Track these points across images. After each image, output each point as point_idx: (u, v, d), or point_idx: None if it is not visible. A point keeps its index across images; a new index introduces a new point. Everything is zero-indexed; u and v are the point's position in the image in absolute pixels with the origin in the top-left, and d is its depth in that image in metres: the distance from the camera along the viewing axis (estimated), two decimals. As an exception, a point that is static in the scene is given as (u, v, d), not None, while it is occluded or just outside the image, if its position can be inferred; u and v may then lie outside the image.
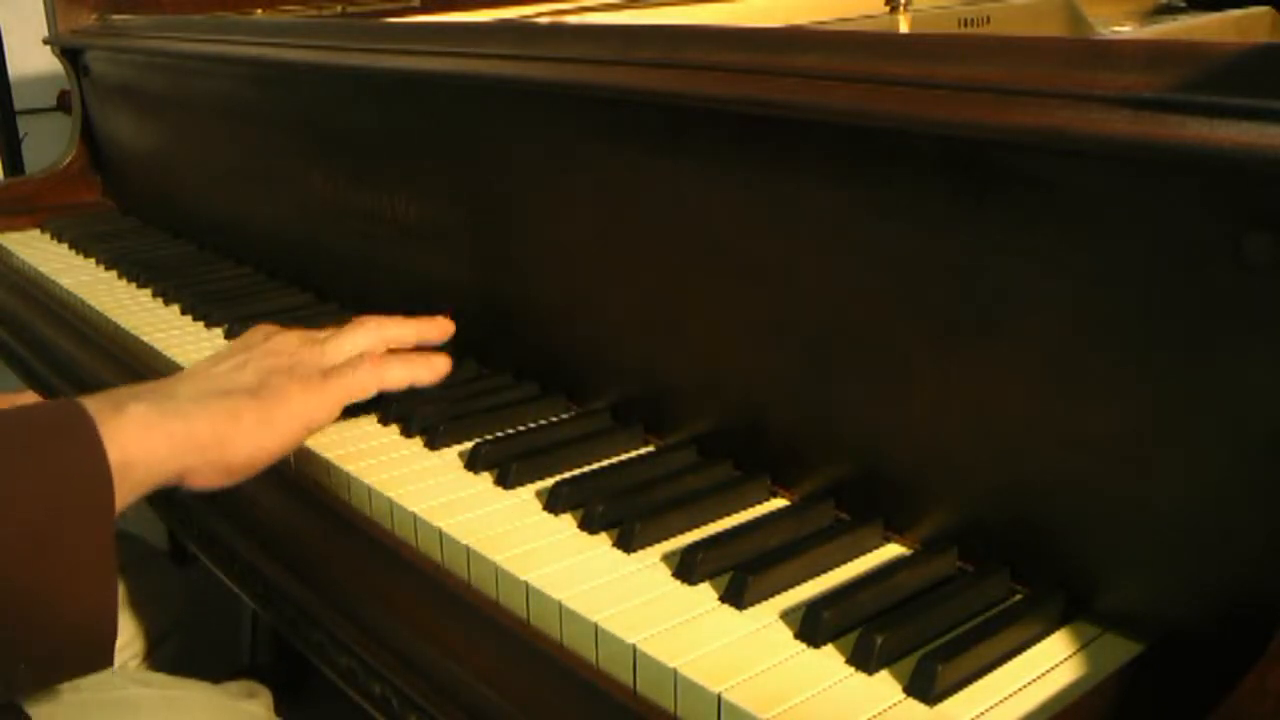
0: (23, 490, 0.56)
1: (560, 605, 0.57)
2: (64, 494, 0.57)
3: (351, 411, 0.83)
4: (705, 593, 0.58)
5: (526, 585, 0.59)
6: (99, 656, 0.59)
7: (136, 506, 0.90)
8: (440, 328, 0.83)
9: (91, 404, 0.62)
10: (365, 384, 0.73)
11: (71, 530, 0.57)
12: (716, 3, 1.28)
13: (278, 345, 0.74)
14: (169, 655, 1.08)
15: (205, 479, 0.66)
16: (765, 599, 0.58)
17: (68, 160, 1.59)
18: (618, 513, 0.65)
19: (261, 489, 0.80)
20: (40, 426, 0.60)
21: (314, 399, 0.70)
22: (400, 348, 0.79)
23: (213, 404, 0.66)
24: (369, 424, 0.81)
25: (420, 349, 0.81)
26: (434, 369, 0.78)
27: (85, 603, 0.58)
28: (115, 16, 1.50)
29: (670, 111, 0.70)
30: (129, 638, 1.03)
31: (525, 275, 0.86)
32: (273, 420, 0.68)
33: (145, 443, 0.62)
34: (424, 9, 1.62)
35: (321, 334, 0.77)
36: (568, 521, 0.66)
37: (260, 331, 0.77)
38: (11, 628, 0.56)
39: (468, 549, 0.63)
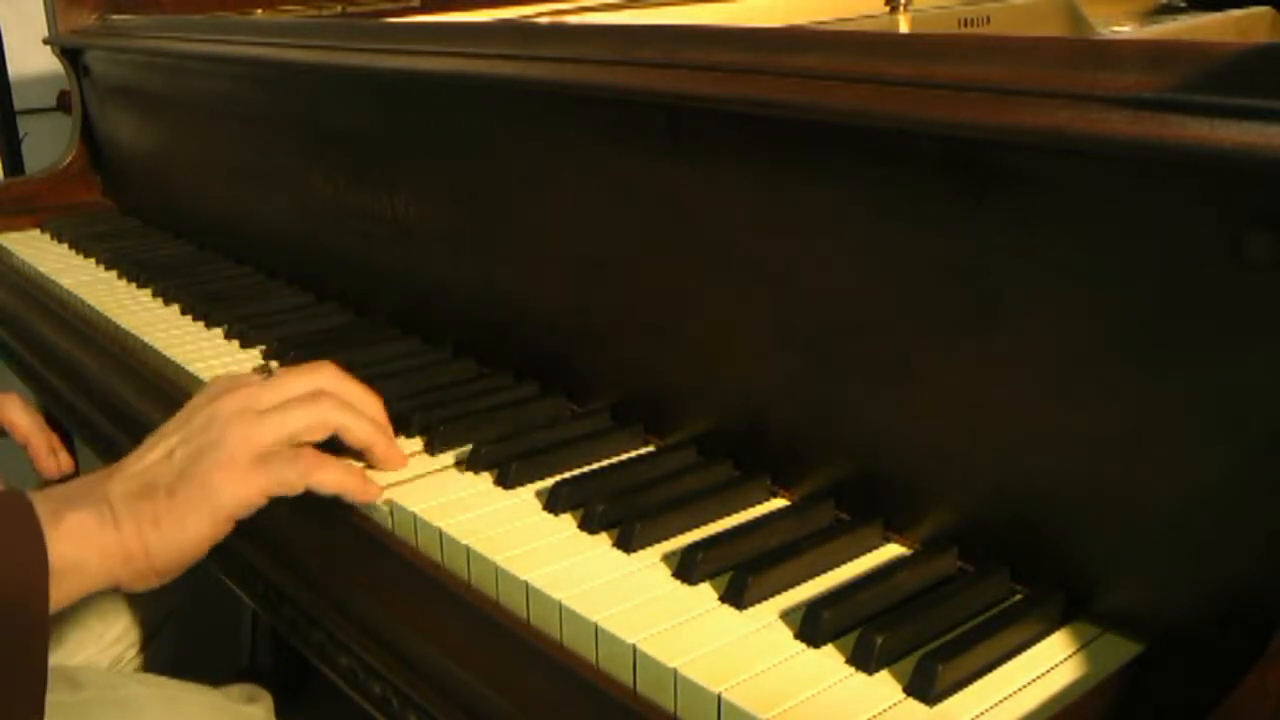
0: None
1: (560, 605, 0.57)
2: (4, 589, 0.58)
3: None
4: (705, 593, 0.58)
5: (526, 585, 0.59)
6: None
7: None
8: (391, 461, 0.74)
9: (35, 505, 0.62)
10: (292, 482, 0.68)
11: (7, 625, 0.58)
12: (716, 3, 1.28)
13: (212, 415, 0.69)
14: (167, 650, 1.08)
15: (136, 585, 0.65)
16: (765, 599, 0.58)
17: (68, 160, 1.59)
18: (618, 513, 0.65)
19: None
20: None
21: (237, 489, 0.66)
22: (350, 440, 0.72)
23: (136, 508, 0.65)
24: (369, 424, 0.81)
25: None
26: (366, 492, 0.70)
27: (10, 703, 0.58)
28: (115, 16, 1.50)
29: (670, 111, 0.70)
30: (124, 628, 1.03)
31: (525, 275, 0.86)
32: (191, 519, 0.65)
33: (78, 553, 0.62)
34: (424, 9, 1.62)
35: (268, 398, 0.70)
36: (568, 521, 0.66)
37: (211, 389, 0.72)
38: None
39: (468, 549, 0.63)
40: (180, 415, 0.71)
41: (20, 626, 0.58)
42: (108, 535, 0.63)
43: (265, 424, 0.68)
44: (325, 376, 0.73)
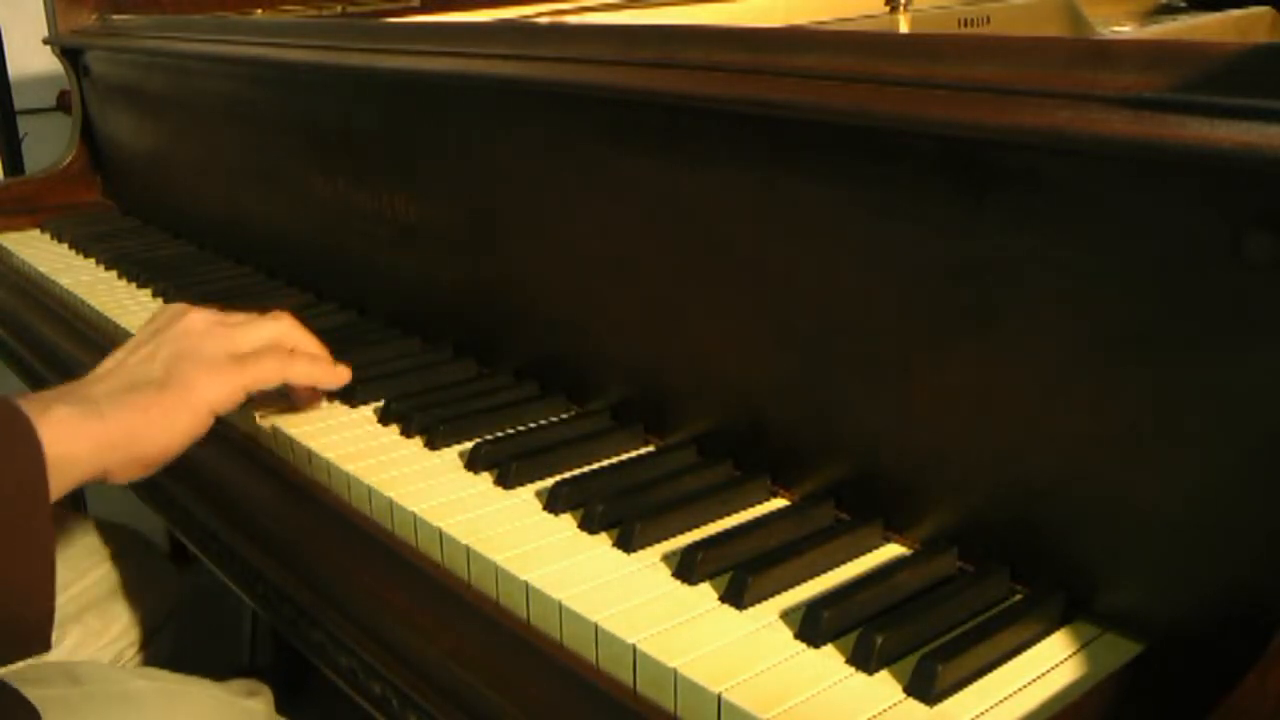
0: None
1: (560, 605, 0.57)
2: (6, 487, 0.60)
3: (351, 410, 0.83)
4: (705, 593, 0.58)
5: (526, 585, 0.59)
6: (35, 642, 0.62)
7: (135, 503, 0.91)
8: (339, 375, 0.82)
9: (23, 405, 0.65)
10: (270, 374, 0.75)
11: (9, 518, 0.60)
12: (716, 3, 1.28)
13: (187, 327, 0.75)
14: (167, 649, 1.08)
15: (123, 474, 0.69)
16: (765, 599, 0.58)
17: (68, 160, 1.59)
18: (618, 513, 0.65)
19: (262, 489, 0.80)
20: None
21: (220, 384, 0.72)
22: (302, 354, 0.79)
23: (124, 400, 0.69)
24: (369, 424, 0.81)
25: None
26: (338, 376, 0.80)
27: (24, 588, 0.61)
28: (115, 16, 1.50)
29: (670, 111, 0.70)
30: (124, 627, 1.04)
31: (525, 275, 0.86)
32: (179, 411, 0.70)
33: (70, 444, 0.65)
34: (424, 9, 1.62)
35: (233, 317, 0.78)
36: (568, 521, 0.66)
37: (172, 310, 0.78)
38: None
39: (468, 549, 0.63)
40: (148, 328, 0.77)
41: (25, 521, 0.61)
42: (93, 425, 0.66)
43: (240, 331, 0.76)
44: (282, 312, 0.81)
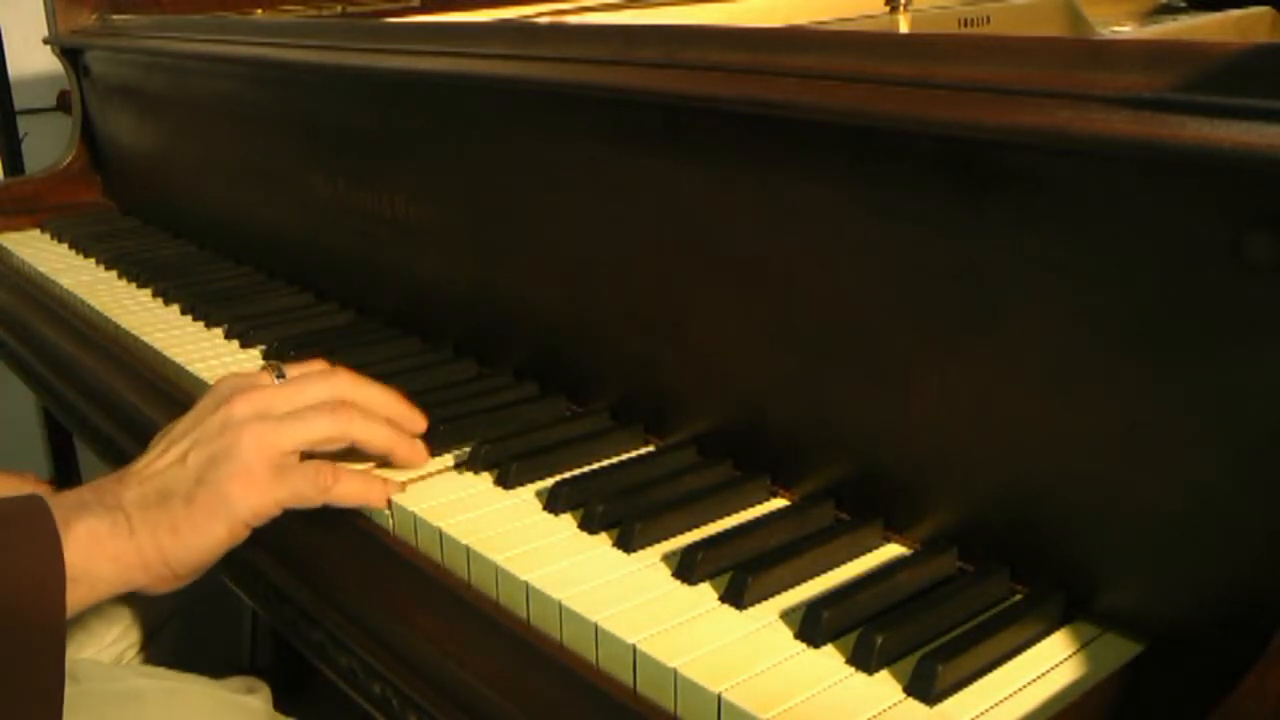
0: None
1: (560, 605, 0.57)
2: (22, 595, 0.58)
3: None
4: (705, 593, 0.58)
5: (527, 585, 0.59)
6: None
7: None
8: (415, 422, 0.74)
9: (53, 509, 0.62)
10: (311, 497, 0.67)
11: (24, 631, 0.58)
12: (716, 3, 1.28)
13: (226, 421, 0.68)
14: (167, 648, 1.08)
15: (156, 588, 0.66)
16: (765, 599, 0.58)
17: (68, 160, 1.59)
18: (618, 513, 0.65)
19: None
20: (6, 520, 0.61)
21: (255, 499, 0.66)
22: (371, 450, 0.72)
23: (152, 515, 0.65)
24: (369, 424, 0.81)
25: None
26: (384, 492, 0.69)
27: (35, 708, 0.58)
28: (115, 16, 1.50)
29: (670, 111, 0.70)
30: (125, 627, 1.04)
31: (525, 275, 0.86)
32: (211, 526, 0.65)
33: (89, 563, 0.62)
34: (424, 9, 1.62)
35: (281, 402, 0.69)
36: (568, 521, 0.66)
37: (219, 392, 0.70)
38: None
39: (468, 549, 0.63)
40: (191, 416, 0.70)
41: (37, 634, 0.58)
42: (121, 543, 0.63)
43: (283, 432, 0.67)
44: (342, 382, 0.71)
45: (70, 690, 0.75)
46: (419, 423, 0.74)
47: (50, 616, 0.59)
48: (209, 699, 0.81)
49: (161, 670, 0.84)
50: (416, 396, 0.83)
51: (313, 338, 0.99)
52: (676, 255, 0.73)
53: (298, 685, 1.40)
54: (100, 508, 0.65)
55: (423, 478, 0.72)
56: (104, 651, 1.02)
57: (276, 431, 0.67)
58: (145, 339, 1.01)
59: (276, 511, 0.67)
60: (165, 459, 0.68)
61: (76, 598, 0.61)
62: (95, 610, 1.02)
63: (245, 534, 0.67)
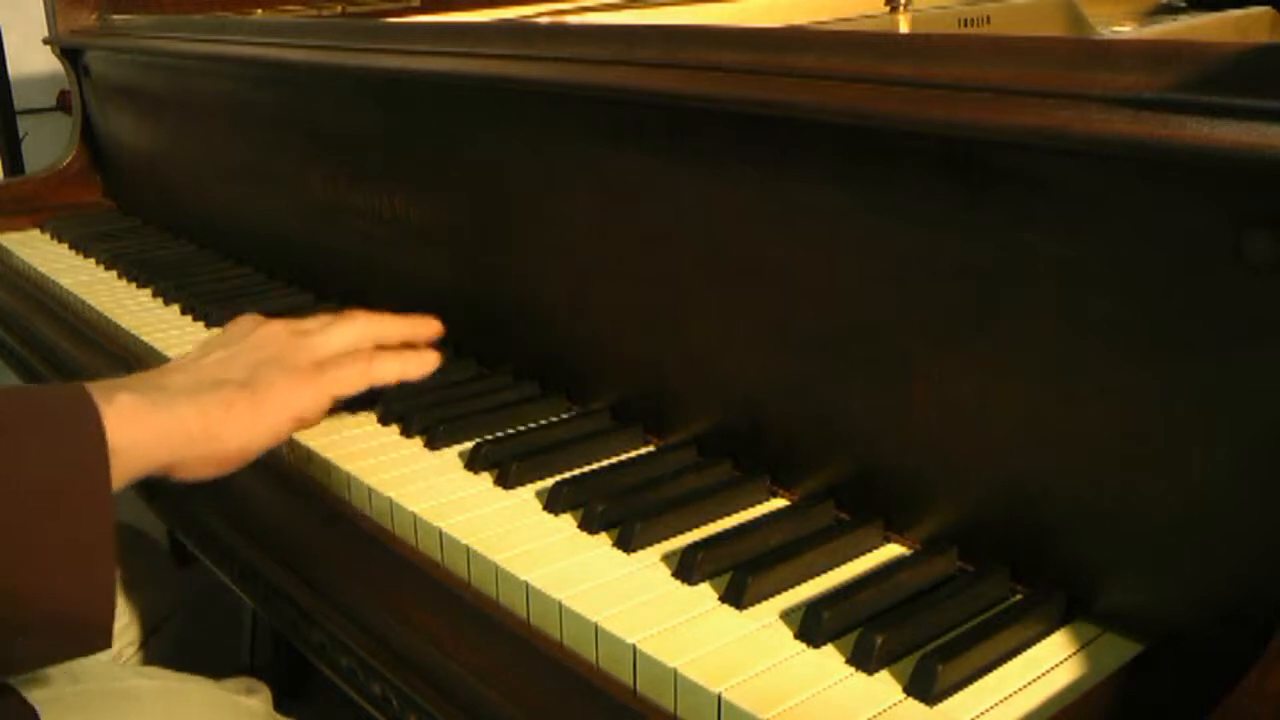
0: (27, 465, 0.57)
1: (560, 605, 0.57)
2: (66, 472, 0.58)
3: (351, 410, 0.83)
4: (705, 593, 0.58)
5: (527, 585, 0.59)
6: (97, 637, 0.59)
7: (135, 503, 0.91)
8: (429, 327, 0.82)
9: (90, 390, 0.63)
10: (355, 380, 0.73)
11: (71, 509, 0.58)
12: (716, 3, 1.28)
13: (265, 337, 0.73)
14: (167, 648, 1.08)
15: (193, 470, 0.66)
16: (765, 599, 0.58)
17: (68, 160, 1.59)
18: (618, 513, 0.65)
19: (262, 489, 0.80)
20: (48, 407, 0.61)
21: (305, 392, 0.70)
22: (387, 345, 0.78)
23: (203, 396, 0.67)
24: (369, 424, 0.81)
25: (408, 346, 0.80)
26: (424, 364, 0.78)
27: (83, 581, 0.58)
28: (115, 16, 1.50)
29: (670, 111, 0.70)
30: (124, 624, 1.04)
31: (525, 275, 0.86)
32: (263, 412, 0.68)
33: (132, 433, 0.62)
34: (424, 9, 1.62)
35: (308, 324, 0.76)
36: (568, 521, 0.66)
37: (247, 321, 0.76)
38: (10, 600, 0.56)
39: (468, 549, 0.63)
40: (221, 338, 0.75)
41: (86, 509, 0.59)
42: (162, 416, 0.64)
43: (319, 339, 0.74)
44: (355, 311, 0.79)
45: (69, 690, 0.75)
46: (432, 324, 0.82)
47: (97, 492, 0.59)
48: (208, 699, 0.81)
49: (161, 670, 0.84)
50: (416, 396, 0.84)
51: (313, 338, 0.99)
52: (676, 255, 0.73)
53: (298, 685, 1.40)
54: (144, 385, 0.67)
55: (422, 477, 0.72)
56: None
57: (312, 340, 0.74)
58: (145, 339, 1.01)
59: (328, 403, 0.72)
60: (212, 358, 0.72)
61: (123, 470, 0.62)
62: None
63: (292, 429, 0.71)
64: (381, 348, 0.78)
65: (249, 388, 0.68)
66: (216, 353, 0.72)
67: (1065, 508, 0.55)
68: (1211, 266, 0.48)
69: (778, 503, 0.69)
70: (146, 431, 0.63)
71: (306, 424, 0.72)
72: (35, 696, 0.71)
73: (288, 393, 0.69)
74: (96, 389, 0.63)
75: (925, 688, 0.50)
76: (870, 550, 0.63)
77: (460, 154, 0.90)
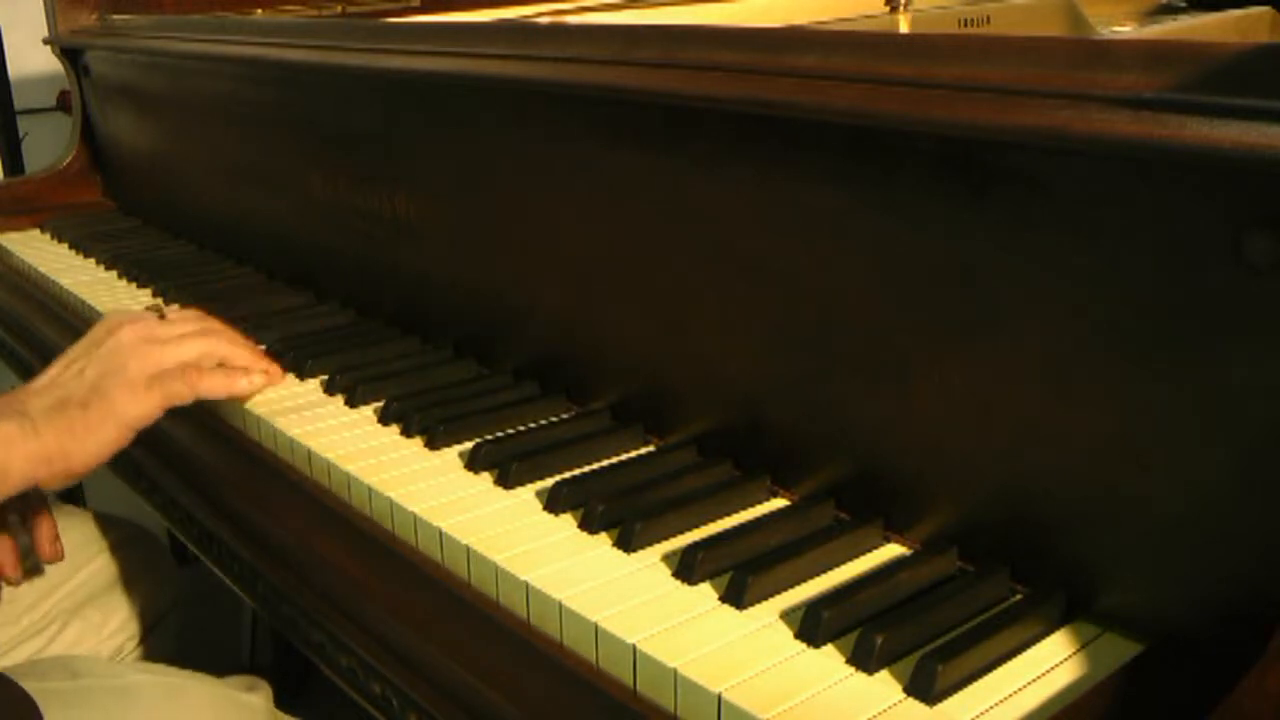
0: None
1: (560, 605, 0.57)
2: None
3: (350, 409, 0.83)
4: (705, 593, 0.58)
5: (527, 585, 0.59)
6: None
7: (135, 501, 0.91)
8: (270, 376, 0.88)
9: None
10: (184, 393, 0.81)
11: None
12: (716, 3, 1.28)
13: (117, 345, 0.81)
14: (167, 646, 1.08)
15: (51, 484, 0.77)
16: (765, 599, 0.58)
17: (68, 160, 1.59)
18: (618, 513, 0.65)
19: (263, 489, 0.80)
20: None
21: (137, 404, 0.79)
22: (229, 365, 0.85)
23: (54, 421, 0.76)
24: (369, 424, 0.81)
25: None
26: (252, 384, 0.85)
27: None
28: (115, 16, 1.50)
29: (670, 111, 0.70)
30: (123, 620, 1.04)
31: (525, 275, 0.86)
32: (101, 430, 0.77)
33: (5, 459, 0.73)
34: (424, 9, 1.62)
35: (160, 332, 0.83)
36: (568, 521, 0.66)
37: (107, 324, 0.83)
38: None
39: (468, 549, 0.63)
40: (84, 342, 0.83)
41: None
42: (30, 443, 0.74)
43: (163, 351, 0.81)
44: (212, 321, 0.87)
45: (69, 685, 0.75)
46: (274, 374, 0.89)
47: None
48: (209, 695, 0.81)
49: (161, 667, 0.84)
50: (416, 396, 0.84)
51: (313, 338, 0.99)
52: (676, 255, 0.72)
53: (298, 685, 1.40)
54: (9, 414, 0.75)
55: (423, 477, 0.72)
56: (104, 643, 1.02)
57: (158, 350, 0.81)
58: (145, 339, 1.01)
59: (159, 413, 0.80)
60: (65, 374, 0.80)
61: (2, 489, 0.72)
62: (94, 604, 1.02)
63: (131, 436, 0.79)
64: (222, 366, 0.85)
65: (87, 407, 0.77)
66: (73, 365, 0.80)
67: (1065, 508, 0.55)
68: (1211, 266, 0.48)
69: (778, 503, 0.69)
70: (16, 459, 0.74)
71: (140, 428, 0.79)
72: (34, 691, 0.71)
73: (123, 406, 0.78)
74: None
75: (925, 688, 0.50)
76: (870, 550, 0.63)
77: (460, 154, 0.90)
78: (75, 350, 0.82)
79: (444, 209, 0.93)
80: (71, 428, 0.76)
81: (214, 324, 0.87)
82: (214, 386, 0.83)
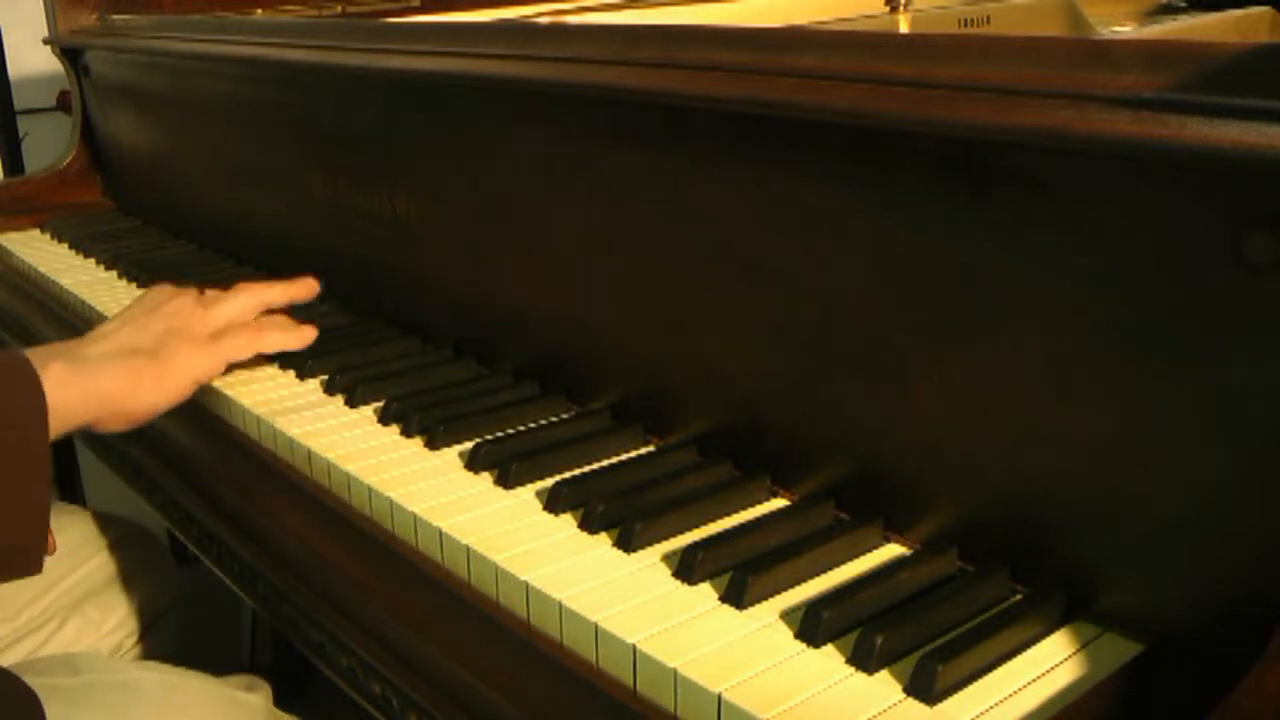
0: None
1: (560, 605, 0.57)
2: (11, 425, 0.71)
3: (350, 409, 0.83)
4: (705, 593, 0.58)
5: (527, 585, 0.59)
6: (30, 561, 0.73)
7: (134, 500, 0.91)
8: (307, 287, 0.97)
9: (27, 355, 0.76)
10: (245, 347, 0.88)
11: (14, 455, 0.71)
12: (716, 3, 1.28)
13: (174, 309, 0.86)
14: (166, 644, 1.08)
15: (109, 425, 0.80)
16: (765, 599, 0.58)
17: (68, 160, 1.59)
18: (618, 513, 0.65)
19: (263, 489, 0.80)
20: None
21: (202, 360, 0.84)
22: (275, 308, 0.94)
23: (119, 363, 0.79)
24: (369, 424, 0.81)
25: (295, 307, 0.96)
26: (302, 337, 0.92)
27: (20, 512, 0.71)
28: (115, 16, 1.50)
29: (670, 111, 0.70)
30: (122, 617, 1.04)
31: (525, 275, 0.86)
32: (167, 378, 0.81)
33: (64, 395, 0.75)
34: (424, 9, 1.62)
35: (209, 297, 0.90)
36: (568, 521, 0.66)
37: (161, 293, 0.89)
38: None
39: (468, 549, 0.63)
40: (139, 305, 0.88)
41: (27, 457, 0.72)
42: (87, 381, 0.77)
43: (216, 309, 0.88)
44: (241, 285, 0.93)
45: (69, 681, 0.76)
46: (310, 284, 0.98)
47: (36, 443, 0.72)
48: (209, 693, 0.81)
49: (163, 664, 0.85)
50: (416, 396, 0.84)
51: (313, 338, 0.99)
52: (676, 255, 0.73)
53: (298, 685, 1.40)
54: (71, 355, 0.79)
55: (423, 477, 0.72)
56: (103, 640, 1.02)
57: (212, 309, 0.88)
58: (145, 339, 1.01)
59: (221, 368, 0.86)
60: (126, 329, 0.84)
61: (55, 424, 0.74)
62: (93, 601, 1.02)
63: (191, 390, 0.83)
64: (270, 312, 0.93)
65: (155, 357, 0.81)
66: (131, 323, 0.85)
67: (1065, 508, 0.55)
68: (1211, 266, 0.48)
69: (778, 503, 0.69)
70: (75, 394, 0.76)
71: (204, 383, 0.85)
72: (36, 686, 0.71)
73: (188, 361, 0.83)
74: (34, 357, 0.76)
75: (925, 688, 0.50)
76: (870, 550, 0.63)
77: (460, 154, 0.90)
78: (131, 311, 0.87)
79: (444, 209, 0.93)
80: (139, 373, 0.80)
81: (241, 286, 0.92)
82: (273, 342, 0.89)
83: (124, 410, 0.79)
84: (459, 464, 0.74)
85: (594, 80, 0.74)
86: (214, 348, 0.85)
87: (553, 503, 0.68)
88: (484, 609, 0.61)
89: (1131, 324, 0.51)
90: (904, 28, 1.08)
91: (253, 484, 0.81)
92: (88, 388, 0.77)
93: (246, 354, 0.88)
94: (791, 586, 0.59)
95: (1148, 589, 0.53)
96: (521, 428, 0.79)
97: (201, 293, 0.91)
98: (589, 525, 0.65)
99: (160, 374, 0.81)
